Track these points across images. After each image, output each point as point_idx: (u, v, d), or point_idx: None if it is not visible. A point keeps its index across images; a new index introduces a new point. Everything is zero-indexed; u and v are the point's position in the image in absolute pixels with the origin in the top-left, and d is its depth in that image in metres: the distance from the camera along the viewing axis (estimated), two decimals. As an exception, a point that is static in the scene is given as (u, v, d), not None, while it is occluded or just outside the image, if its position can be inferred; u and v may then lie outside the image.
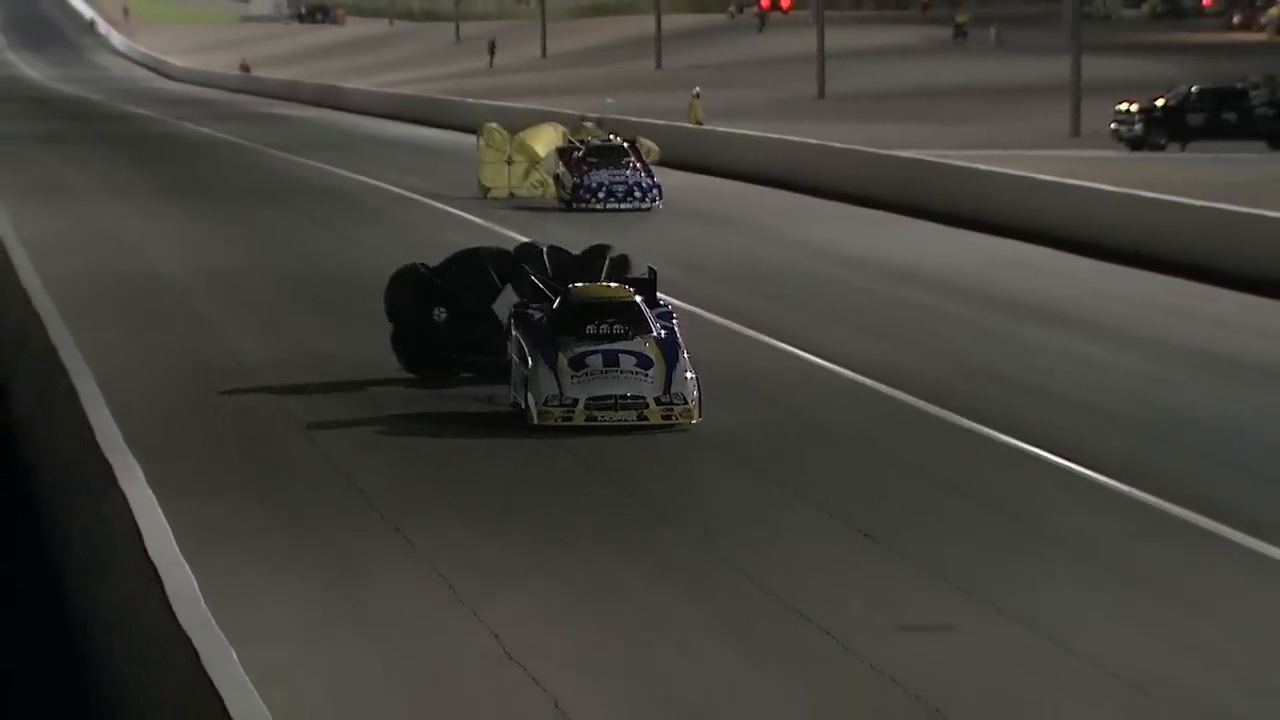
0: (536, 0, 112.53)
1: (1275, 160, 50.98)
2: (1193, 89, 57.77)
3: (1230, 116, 54.87)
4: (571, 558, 13.98)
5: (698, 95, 63.21)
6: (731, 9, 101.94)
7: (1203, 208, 34.25)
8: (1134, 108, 55.67)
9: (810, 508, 15.89)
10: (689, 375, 17.61)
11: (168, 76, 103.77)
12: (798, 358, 24.44)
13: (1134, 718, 10.76)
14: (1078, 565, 14.15)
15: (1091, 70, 59.82)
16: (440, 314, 20.03)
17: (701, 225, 38.70)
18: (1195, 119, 54.77)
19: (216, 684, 9.86)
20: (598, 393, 17.34)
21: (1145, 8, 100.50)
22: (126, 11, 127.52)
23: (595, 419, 17.26)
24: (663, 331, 18.43)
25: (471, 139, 47.49)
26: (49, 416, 19.26)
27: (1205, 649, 12.08)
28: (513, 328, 19.14)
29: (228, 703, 9.47)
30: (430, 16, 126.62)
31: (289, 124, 71.26)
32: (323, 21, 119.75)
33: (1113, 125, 56.12)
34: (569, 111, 57.05)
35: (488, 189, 40.75)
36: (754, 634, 12.17)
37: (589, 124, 46.25)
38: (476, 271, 20.77)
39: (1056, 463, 17.50)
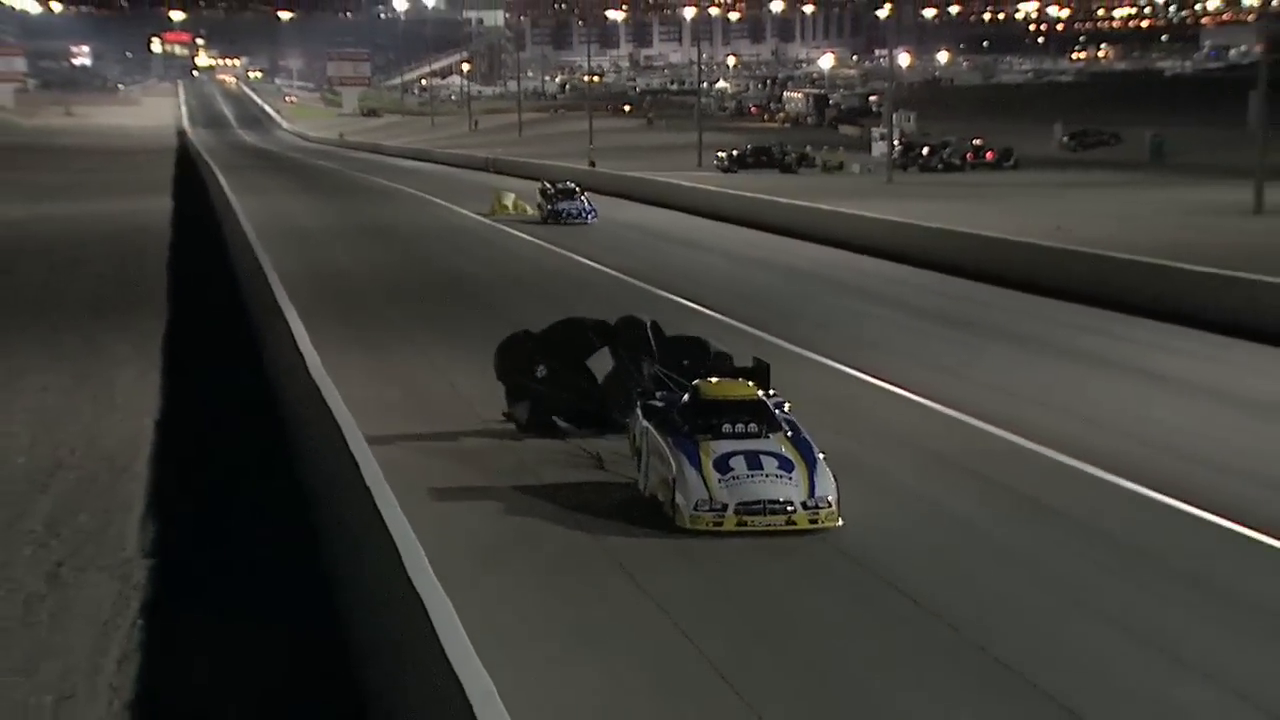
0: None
1: (781, 178, 78.23)
2: (748, 145, 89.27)
3: (764, 158, 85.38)
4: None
5: (592, 162, 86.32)
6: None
7: (753, 197, 57.87)
8: (722, 154, 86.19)
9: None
10: (830, 477, 16.21)
11: (305, 139, 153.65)
12: (613, 276, 35.96)
13: None
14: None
15: (706, 139, 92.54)
16: (542, 370, 20.38)
17: (616, 227, 52.82)
18: (749, 159, 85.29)
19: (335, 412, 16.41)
20: (746, 498, 15.96)
21: (729, 109, 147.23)
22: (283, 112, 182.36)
23: (745, 524, 15.85)
24: (789, 430, 17.18)
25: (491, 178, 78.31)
26: (257, 286, 31.14)
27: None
28: (641, 417, 18.15)
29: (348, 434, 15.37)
30: (418, 112, 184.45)
31: (363, 162, 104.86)
32: (372, 115, 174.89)
33: (715, 161, 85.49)
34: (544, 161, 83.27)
35: (490, 213, 57.31)
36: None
37: (543, 188, 57.04)
38: (575, 334, 21.08)
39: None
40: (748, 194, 58.51)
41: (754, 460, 16.50)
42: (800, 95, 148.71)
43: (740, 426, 17.03)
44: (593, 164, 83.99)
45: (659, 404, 18.56)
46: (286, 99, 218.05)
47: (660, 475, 16.85)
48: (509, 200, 56.98)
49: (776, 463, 16.46)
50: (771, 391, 18.69)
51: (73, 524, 17.83)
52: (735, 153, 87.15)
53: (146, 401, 24.76)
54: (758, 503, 16.07)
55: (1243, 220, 48.52)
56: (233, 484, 19.28)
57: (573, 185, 57.36)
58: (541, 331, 21.42)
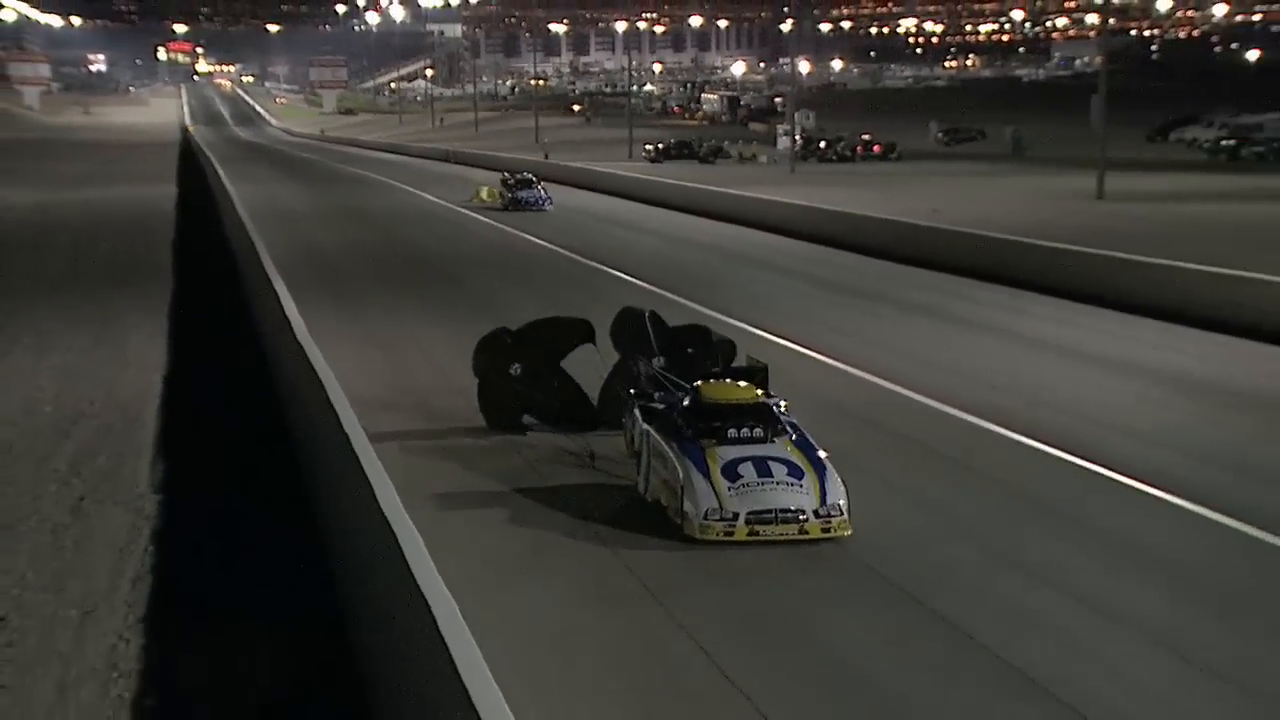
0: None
1: (700, 168, 76.10)
2: (672, 140, 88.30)
3: (686, 151, 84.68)
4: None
5: (546, 155, 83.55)
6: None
7: (678, 185, 56.64)
8: (650, 147, 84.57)
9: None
10: (839, 482, 13.93)
11: (291, 134, 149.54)
12: (558, 252, 37.22)
13: None
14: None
15: (636, 134, 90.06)
16: (517, 369, 17.79)
17: (564, 211, 51.57)
18: (672, 151, 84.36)
19: (319, 372, 15.87)
20: (758, 507, 13.64)
21: (656, 109, 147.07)
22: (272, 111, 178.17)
23: (756, 533, 13.55)
24: (792, 433, 14.84)
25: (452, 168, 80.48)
26: (250, 261, 31.03)
27: None
28: (640, 419, 15.75)
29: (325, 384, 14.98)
30: (388, 111, 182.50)
31: (342, 154, 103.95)
32: (349, 114, 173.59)
33: (644, 153, 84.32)
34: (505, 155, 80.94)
35: (472, 198, 54.86)
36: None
37: (504, 178, 55.13)
38: (554, 333, 18.48)
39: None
40: (674, 181, 58.35)
41: (763, 467, 14.16)
42: (716, 97, 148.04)
43: (745, 431, 14.75)
44: (546, 156, 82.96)
45: (658, 406, 16.16)
46: (277, 100, 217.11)
47: (662, 479, 14.62)
48: (484, 191, 55.52)
49: (786, 469, 14.14)
50: (772, 394, 16.16)
51: (92, 465, 17.88)
52: (661, 146, 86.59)
53: (155, 360, 24.73)
54: (769, 511, 13.76)
55: (1087, 204, 48.93)
56: (230, 430, 19.20)
57: (530, 176, 55.82)
58: (520, 329, 18.60)
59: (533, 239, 41.78)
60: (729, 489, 13.85)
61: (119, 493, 16.57)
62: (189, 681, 11.33)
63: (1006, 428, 18.02)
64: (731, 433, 14.65)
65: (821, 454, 14.42)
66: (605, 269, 34.41)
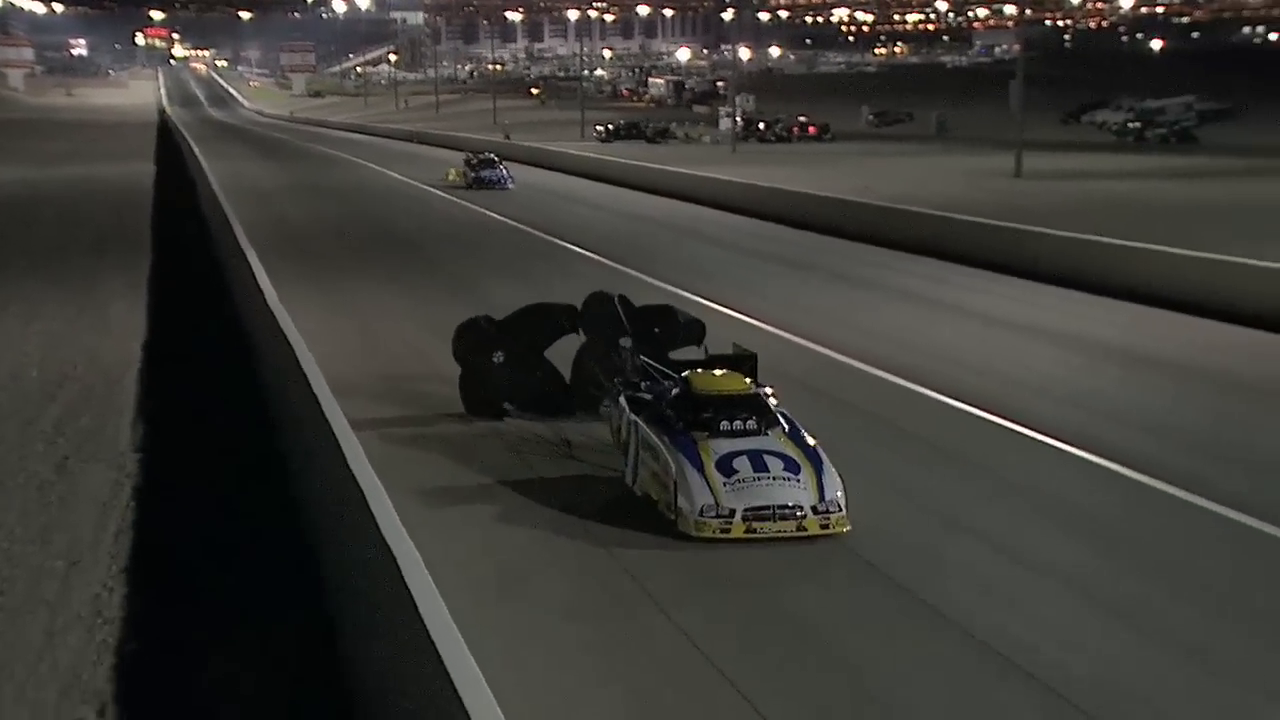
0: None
1: (648, 147, 76.11)
2: (621, 121, 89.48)
3: (634, 131, 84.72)
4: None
5: (507, 135, 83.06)
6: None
7: (627, 163, 56.25)
8: (601, 128, 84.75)
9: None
10: (836, 476, 12.59)
11: (263, 115, 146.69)
12: (515, 226, 37.66)
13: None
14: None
15: (588, 116, 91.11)
16: (499, 356, 16.43)
17: (522, 188, 50.54)
18: (622, 132, 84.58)
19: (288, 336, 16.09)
20: (755, 503, 12.29)
21: (606, 92, 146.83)
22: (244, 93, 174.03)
23: (754, 530, 12.21)
24: (786, 424, 13.46)
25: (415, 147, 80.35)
26: (224, 234, 31.78)
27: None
28: (627, 409, 14.19)
29: (294, 347, 15.23)
30: (354, 94, 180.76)
31: (311, 134, 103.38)
32: (317, 96, 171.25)
33: (595, 134, 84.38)
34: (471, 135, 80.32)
35: (443, 178, 52.73)
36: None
37: (468, 158, 54.09)
38: (538, 321, 17.02)
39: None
40: (624, 160, 58.06)
41: (759, 462, 12.75)
42: (662, 81, 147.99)
43: (738, 423, 13.29)
44: (507, 136, 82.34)
45: (645, 396, 14.59)
46: (250, 83, 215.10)
47: (652, 472, 13.12)
48: (453, 172, 54.03)
49: (782, 464, 12.73)
50: (761, 383, 14.76)
51: (76, 425, 17.75)
52: (612, 127, 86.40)
53: (135, 327, 24.50)
54: (767, 508, 12.37)
55: (1007, 182, 49.15)
56: (206, 392, 19.06)
57: (492, 156, 54.80)
58: (504, 318, 17.18)
59: (493, 214, 41.44)
60: (724, 484, 12.50)
61: (102, 451, 16.46)
62: (170, 631, 11.28)
63: (927, 387, 18.10)
64: (724, 425, 13.26)
65: (816, 446, 13.08)
66: (561, 243, 34.25)
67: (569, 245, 33.55)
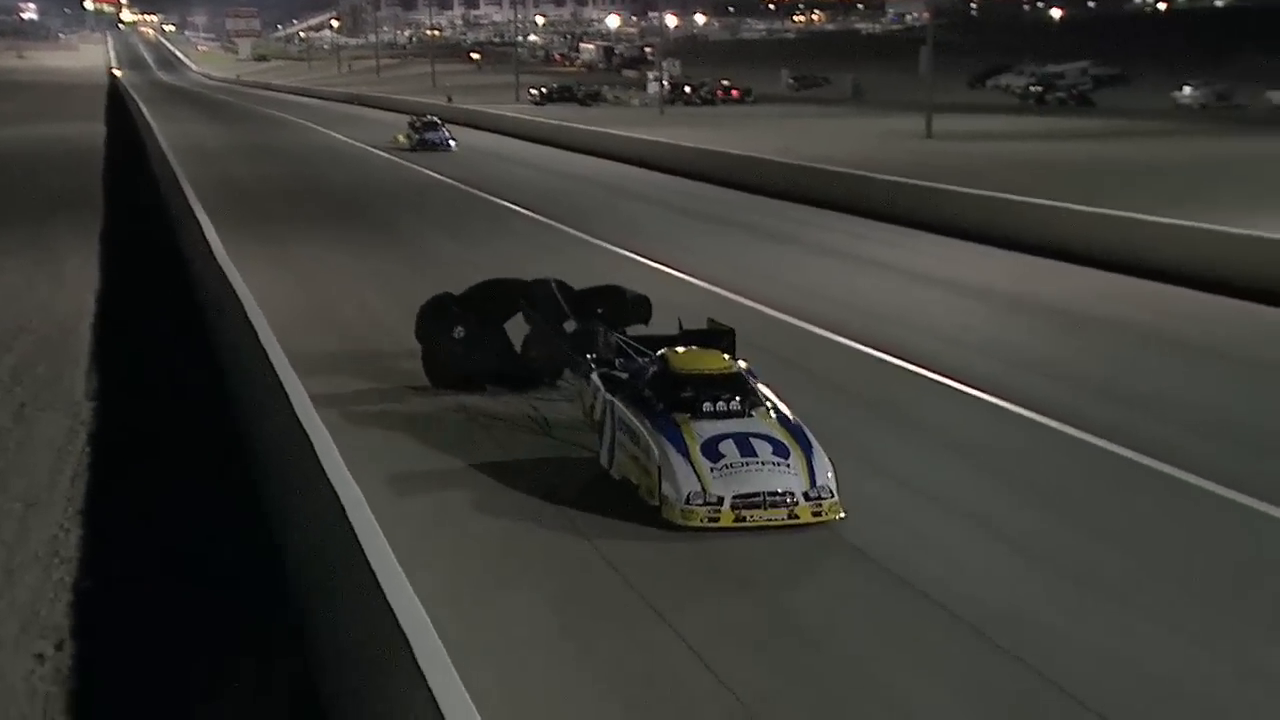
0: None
1: (580, 110, 75.90)
2: (554, 84, 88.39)
3: (566, 94, 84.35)
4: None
5: (449, 99, 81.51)
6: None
7: (561, 125, 56.28)
8: (535, 91, 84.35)
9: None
10: (826, 459, 11.35)
11: (209, 79, 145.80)
12: (454, 185, 36.85)
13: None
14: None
15: (522, 79, 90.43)
16: (460, 331, 15.25)
17: (468, 152, 49.88)
18: (555, 95, 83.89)
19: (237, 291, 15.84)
20: (744, 490, 11.01)
21: (539, 57, 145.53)
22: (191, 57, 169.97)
23: (743, 519, 10.93)
24: (769, 403, 12.15)
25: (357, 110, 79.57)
26: (175, 195, 30.86)
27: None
28: (602, 389, 12.80)
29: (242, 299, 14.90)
30: (298, 58, 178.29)
31: (256, 97, 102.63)
32: (262, 60, 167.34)
33: (529, 96, 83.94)
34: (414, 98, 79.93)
35: (392, 141, 51.07)
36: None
37: (412, 121, 52.95)
38: (498, 295, 15.91)
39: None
40: (557, 122, 57.59)
41: (745, 445, 11.40)
42: (593, 47, 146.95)
43: (721, 404, 11.93)
44: (450, 99, 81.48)
45: (622, 375, 13.21)
46: (197, 47, 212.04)
47: (631, 455, 11.76)
48: (401, 135, 52.22)
49: (771, 448, 11.39)
50: (738, 359, 13.28)
51: (33, 374, 17.47)
52: (545, 90, 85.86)
53: (89, 280, 24.07)
54: (756, 495, 11.05)
55: (918, 143, 49.39)
56: (156, 343, 18.83)
57: (435, 118, 53.64)
58: (463, 292, 16.07)
59: (435, 174, 40.93)
60: (711, 470, 11.15)
61: (58, 400, 16.20)
62: (123, 568, 11.17)
63: (841, 335, 18.15)
64: (707, 406, 11.90)
65: (803, 427, 11.78)
66: (500, 201, 33.86)
67: (508, 204, 33.31)
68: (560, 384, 14.95)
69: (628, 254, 24.94)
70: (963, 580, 10.09)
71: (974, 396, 15.23)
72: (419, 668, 6.50)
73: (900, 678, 8.67)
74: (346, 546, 8.12)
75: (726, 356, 13.00)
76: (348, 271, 23.61)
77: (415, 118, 54.99)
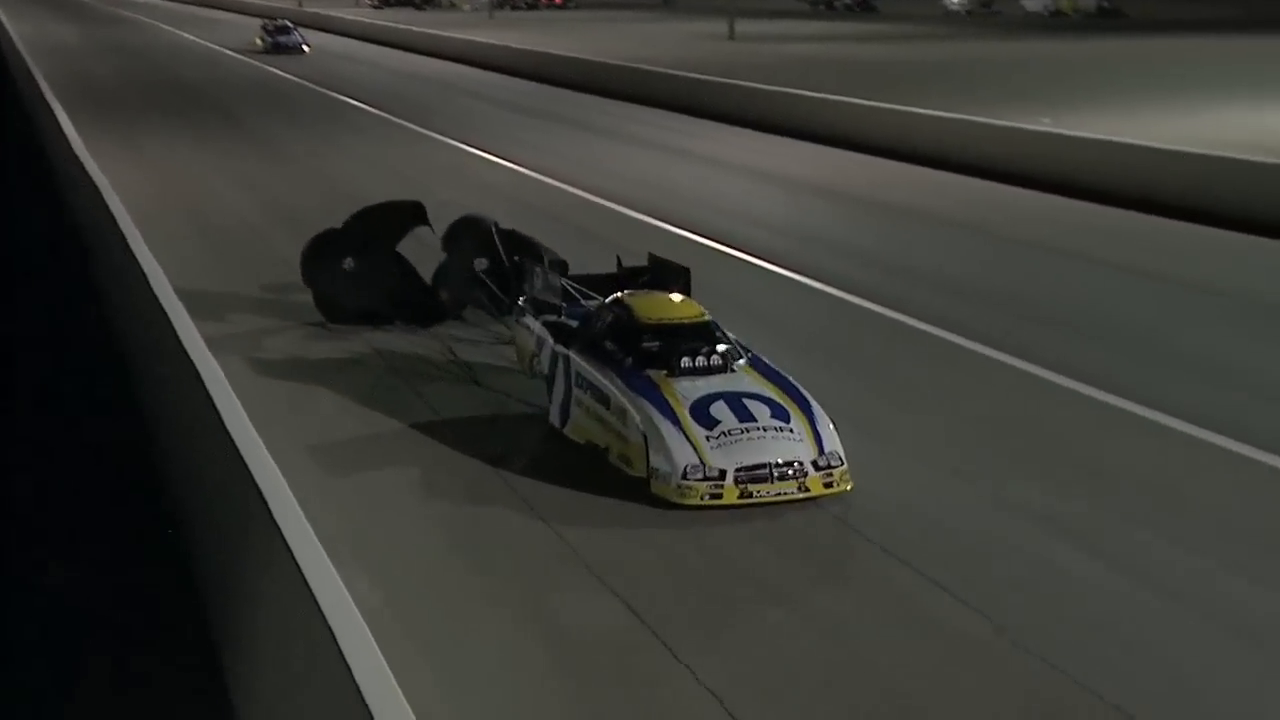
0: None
1: (416, 13, 70.45)
2: None
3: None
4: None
5: (300, 2, 73.39)
6: None
7: (398, 27, 54.34)
8: None
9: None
10: (830, 422, 8.86)
11: None
12: (302, 84, 34.95)
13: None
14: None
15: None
16: (349, 263, 12.65)
17: (318, 55, 46.08)
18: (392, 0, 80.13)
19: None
20: (748, 461, 8.50)
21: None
22: None
23: (749, 494, 8.43)
24: (744, 353, 9.57)
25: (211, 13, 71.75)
26: (30, 88, 28.65)
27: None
28: (551, 340, 10.03)
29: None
30: None
31: (148, 8, 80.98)
32: None
33: (369, 1, 79.24)
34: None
35: (251, 44, 47.76)
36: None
37: (264, 24, 49.24)
38: (384, 220, 13.27)
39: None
40: (395, 25, 55.83)
41: (740, 408, 8.88)
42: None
43: (701, 359, 9.32)
44: (300, 3, 77.30)
45: (570, 322, 10.40)
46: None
47: (595, 415, 9.19)
48: (257, 38, 48.92)
49: (769, 410, 8.90)
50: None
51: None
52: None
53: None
54: (763, 466, 8.54)
55: (721, 44, 49.28)
56: (20, 237, 17.78)
57: (288, 23, 50.46)
58: (346, 221, 13.35)
59: (286, 75, 39.28)
60: (707, 439, 8.66)
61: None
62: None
63: (655, 218, 17.91)
64: (685, 362, 9.29)
65: (797, 385, 9.28)
66: (346, 99, 32.67)
67: (353, 101, 32.36)
68: (468, 322, 12.68)
69: (465, 147, 24.47)
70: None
71: (776, 272, 15.19)
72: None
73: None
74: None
75: (695, 303, 10.18)
76: (205, 160, 22.50)
77: (268, 21, 52.38)
